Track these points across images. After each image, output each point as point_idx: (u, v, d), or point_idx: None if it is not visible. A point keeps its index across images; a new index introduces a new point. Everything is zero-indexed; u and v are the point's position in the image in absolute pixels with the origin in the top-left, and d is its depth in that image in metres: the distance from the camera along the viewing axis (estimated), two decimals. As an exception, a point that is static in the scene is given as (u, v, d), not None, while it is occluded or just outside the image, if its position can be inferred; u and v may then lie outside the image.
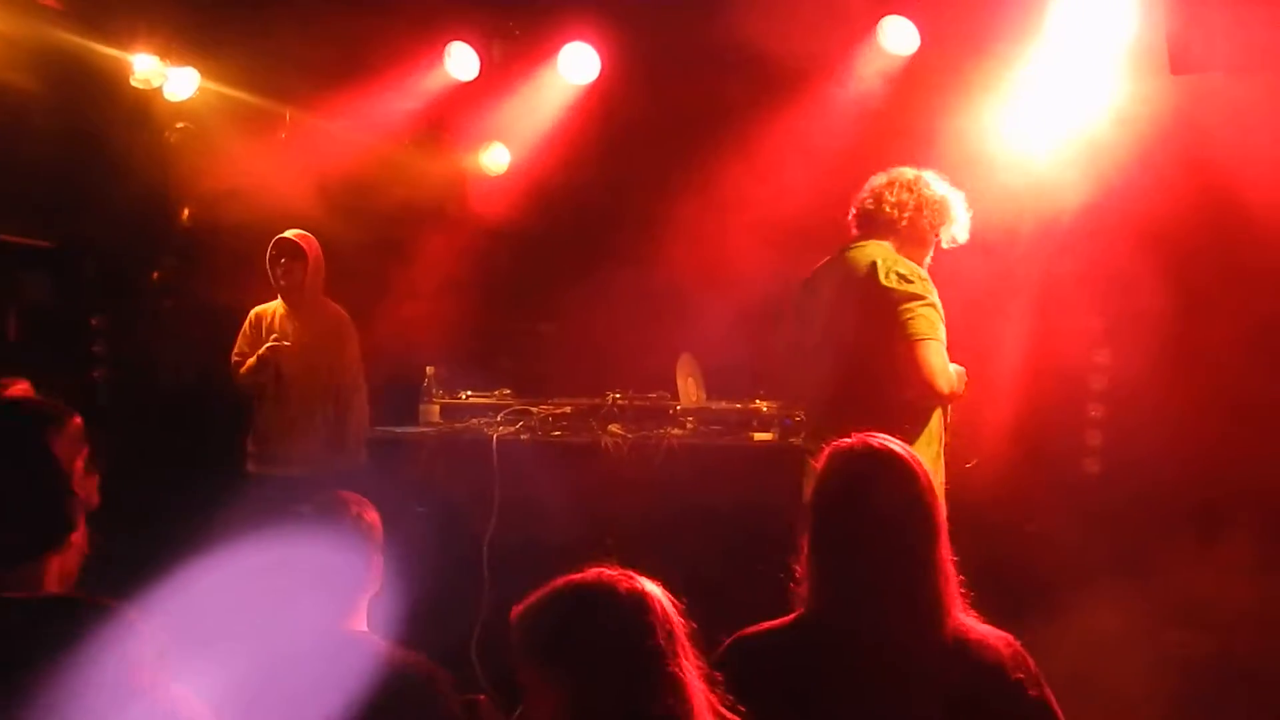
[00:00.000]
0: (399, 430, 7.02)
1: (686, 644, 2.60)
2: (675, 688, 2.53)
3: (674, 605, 2.62)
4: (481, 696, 4.47)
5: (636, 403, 6.79)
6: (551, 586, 2.62)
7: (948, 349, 4.86)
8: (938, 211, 5.18)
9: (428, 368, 7.29)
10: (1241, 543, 5.62)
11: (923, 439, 4.87)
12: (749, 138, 7.08)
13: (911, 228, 5.17)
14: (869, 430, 3.17)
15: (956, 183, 5.34)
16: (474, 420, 7.00)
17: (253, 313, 7.10)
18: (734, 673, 2.78)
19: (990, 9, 6.44)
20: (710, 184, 7.10)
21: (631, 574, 2.62)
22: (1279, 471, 5.83)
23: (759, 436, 6.39)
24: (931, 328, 4.84)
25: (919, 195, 5.17)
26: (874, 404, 4.71)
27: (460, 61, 7.75)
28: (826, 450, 3.15)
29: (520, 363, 8.21)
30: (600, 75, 7.60)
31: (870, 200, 5.24)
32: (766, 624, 3.12)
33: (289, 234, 7.02)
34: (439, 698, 3.59)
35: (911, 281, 4.92)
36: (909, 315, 4.85)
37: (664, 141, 7.73)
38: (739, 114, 7.24)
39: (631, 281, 7.39)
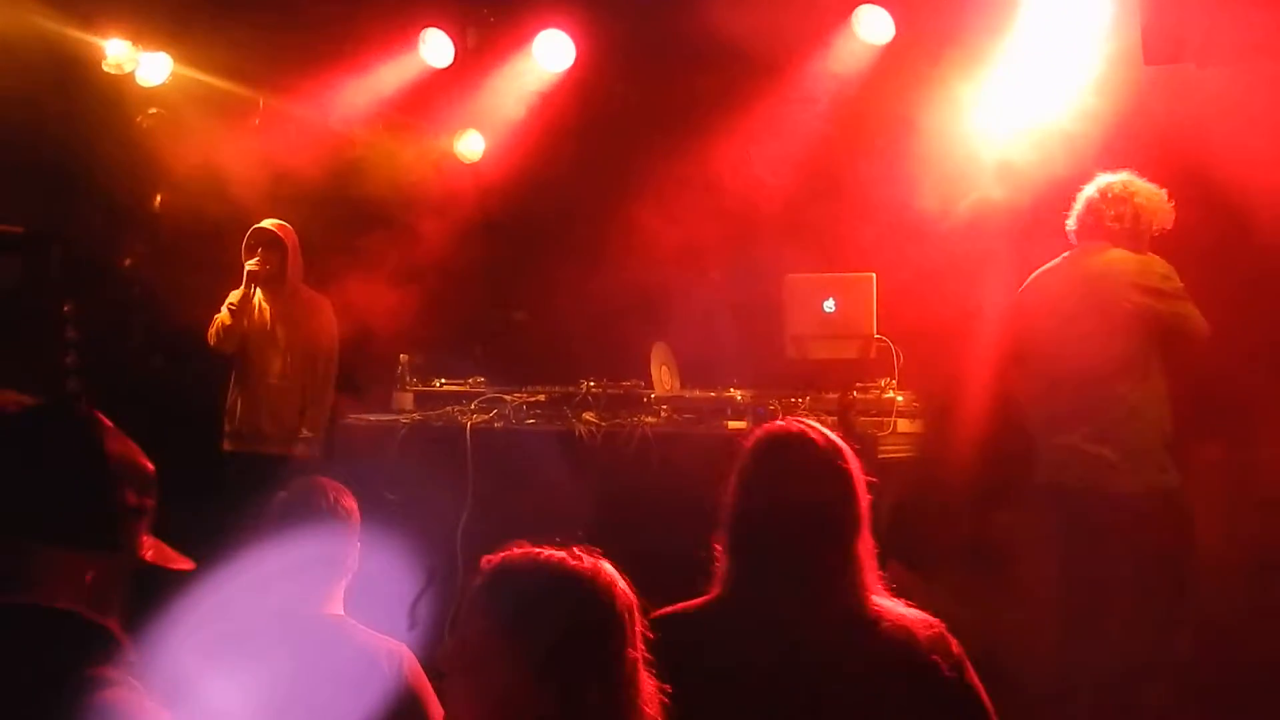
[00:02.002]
0: (372, 418, 7.01)
1: (646, 668, 2.59)
2: (630, 688, 2.52)
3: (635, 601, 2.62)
4: None
5: (610, 391, 6.78)
6: (542, 560, 2.59)
7: None
8: (1153, 212, 5.60)
9: (401, 355, 7.28)
10: (1232, 542, 5.64)
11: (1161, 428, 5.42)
12: (724, 125, 7.08)
13: (1134, 231, 5.58)
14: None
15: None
16: (448, 408, 6.99)
17: (232, 295, 7.13)
18: (653, 651, 2.79)
19: (966, -2, 6.47)
20: (685, 172, 7.09)
21: (619, 580, 2.60)
22: (1266, 467, 5.85)
23: (733, 425, 6.39)
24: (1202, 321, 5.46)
25: (1134, 204, 5.58)
26: (1144, 397, 5.39)
27: (435, 48, 7.73)
28: (755, 432, 3.18)
29: (494, 350, 8.20)
30: (575, 63, 7.59)
31: (1088, 214, 5.65)
32: (683, 604, 3.12)
33: (266, 223, 7.09)
34: (415, 683, 3.60)
35: (1171, 279, 5.46)
36: (1186, 311, 5.45)
37: (639, 129, 7.72)
38: (714, 102, 7.23)
39: (606, 269, 7.38)
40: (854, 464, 3.08)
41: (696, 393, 6.82)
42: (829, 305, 6.35)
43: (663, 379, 6.84)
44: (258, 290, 7.15)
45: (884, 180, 6.44)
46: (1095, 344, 5.39)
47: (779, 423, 3.17)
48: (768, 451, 3.13)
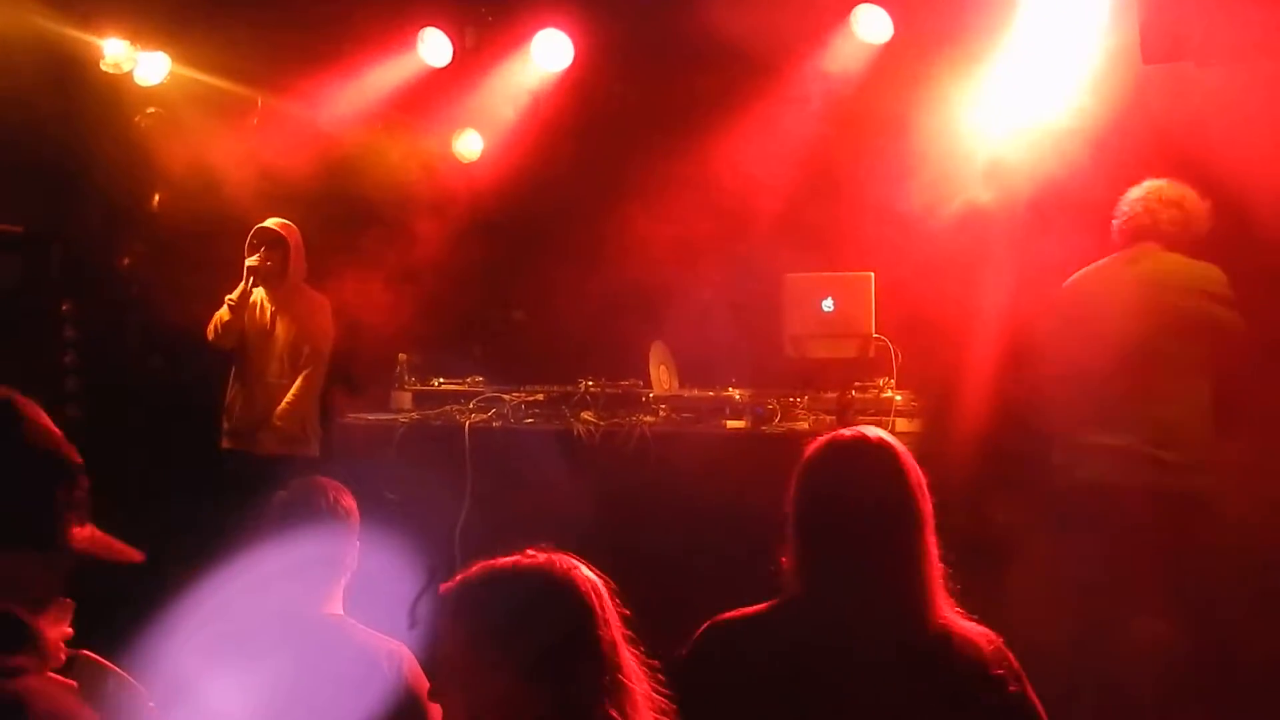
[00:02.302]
0: (371, 417, 7.01)
1: (626, 643, 2.59)
2: (614, 669, 2.52)
3: (615, 604, 2.61)
4: None
5: (609, 390, 6.79)
6: (505, 567, 2.59)
7: None
8: (1201, 217, 5.60)
9: (400, 355, 7.28)
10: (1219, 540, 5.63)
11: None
12: (723, 125, 7.08)
13: (1188, 235, 5.58)
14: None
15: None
16: (446, 407, 6.99)
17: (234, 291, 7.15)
18: (711, 657, 2.76)
19: (964, -3, 6.47)
20: (684, 171, 7.09)
21: (578, 565, 2.60)
22: (1267, 467, 5.85)
23: (731, 424, 6.39)
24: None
25: (1185, 208, 5.58)
26: (1199, 401, 5.41)
27: (433, 48, 7.74)
28: (818, 439, 3.15)
29: (493, 350, 8.20)
30: (573, 62, 7.59)
31: (1145, 215, 5.61)
32: (746, 609, 3.10)
33: (269, 222, 7.13)
34: (415, 683, 3.59)
35: (1227, 285, 5.47)
36: (1238, 319, 5.45)
37: (637, 128, 7.72)
38: (713, 101, 7.23)
39: (604, 269, 7.37)
40: (915, 466, 3.07)
41: (695, 392, 6.83)
42: (827, 305, 6.36)
43: (661, 378, 6.84)
44: (259, 288, 7.17)
45: (882, 179, 6.42)
46: (1155, 345, 5.37)
47: (842, 430, 3.15)
48: (828, 456, 3.11)
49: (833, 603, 2.94)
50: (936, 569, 3.01)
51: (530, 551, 2.59)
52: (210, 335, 7.16)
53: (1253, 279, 5.81)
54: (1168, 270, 5.50)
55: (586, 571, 2.58)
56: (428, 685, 3.58)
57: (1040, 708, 3.02)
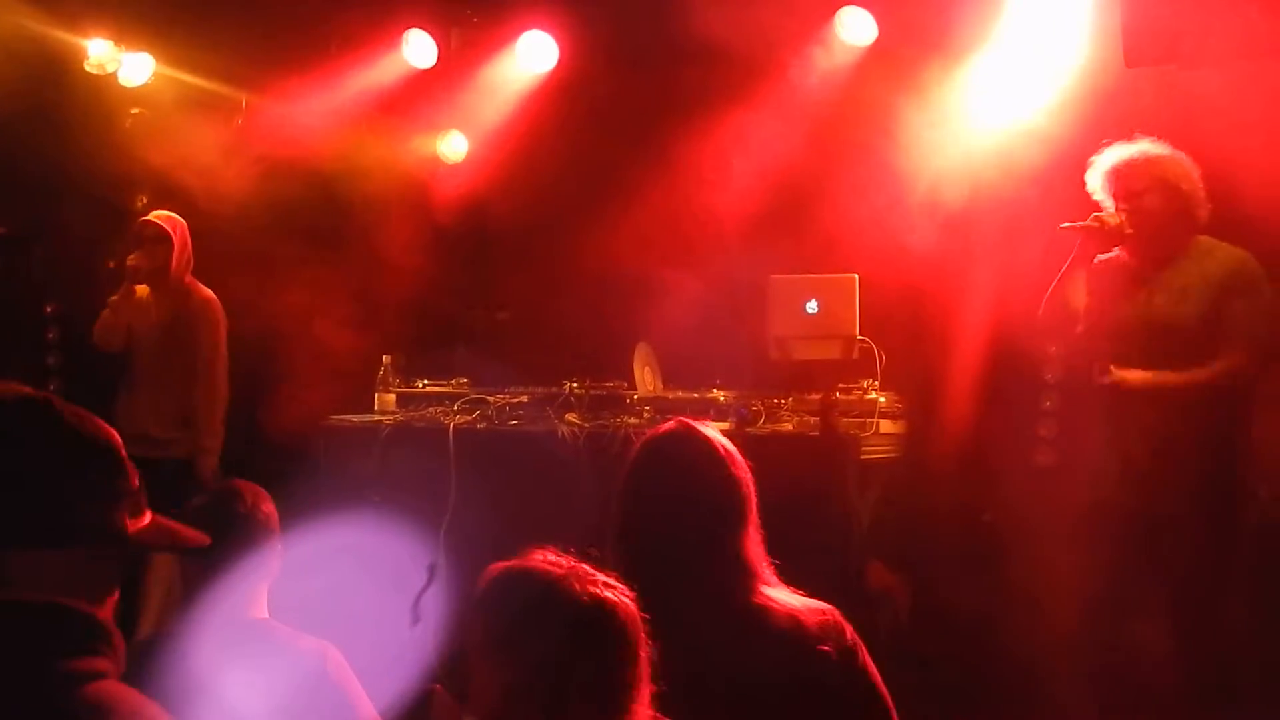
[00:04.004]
0: (355, 419, 7.00)
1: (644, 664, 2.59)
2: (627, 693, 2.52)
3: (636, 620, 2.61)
4: (437, 686, 4.46)
5: (593, 391, 6.78)
6: (521, 569, 2.59)
7: None
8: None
9: (384, 356, 7.26)
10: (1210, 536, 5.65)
11: None
12: (707, 126, 7.08)
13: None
14: None
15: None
16: (431, 409, 6.99)
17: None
18: None
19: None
20: (668, 172, 7.09)
21: (601, 581, 2.59)
22: (1265, 467, 5.87)
23: (715, 425, 6.39)
24: None
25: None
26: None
27: (418, 49, 7.74)
28: (644, 435, 3.24)
29: (477, 351, 8.19)
30: (559, 64, 7.61)
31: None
32: None
33: (153, 215, 7.04)
34: (341, 680, 3.63)
35: None
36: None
37: (622, 130, 7.72)
38: (698, 102, 7.23)
39: (589, 270, 7.39)
40: (733, 454, 3.13)
41: (679, 393, 6.82)
42: (811, 306, 6.35)
43: (645, 380, 6.84)
44: (144, 286, 7.08)
45: (867, 181, 6.44)
46: None
47: (665, 424, 3.23)
48: (647, 452, 3.18)
49: (656, 596, 2.95)
50: (753, 551, 3.08)
51: (556, 558, 2.59)
52: (95, 338, 7.07)
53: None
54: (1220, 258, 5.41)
55: (616, 595, 2.58)
56: (355, 682, 3.63)
57: (877, 679, 3.04)
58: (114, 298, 7.02)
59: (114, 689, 2.22)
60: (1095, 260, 5.37)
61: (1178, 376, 5.12)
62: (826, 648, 2.99)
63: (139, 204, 7.91)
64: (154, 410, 7.02)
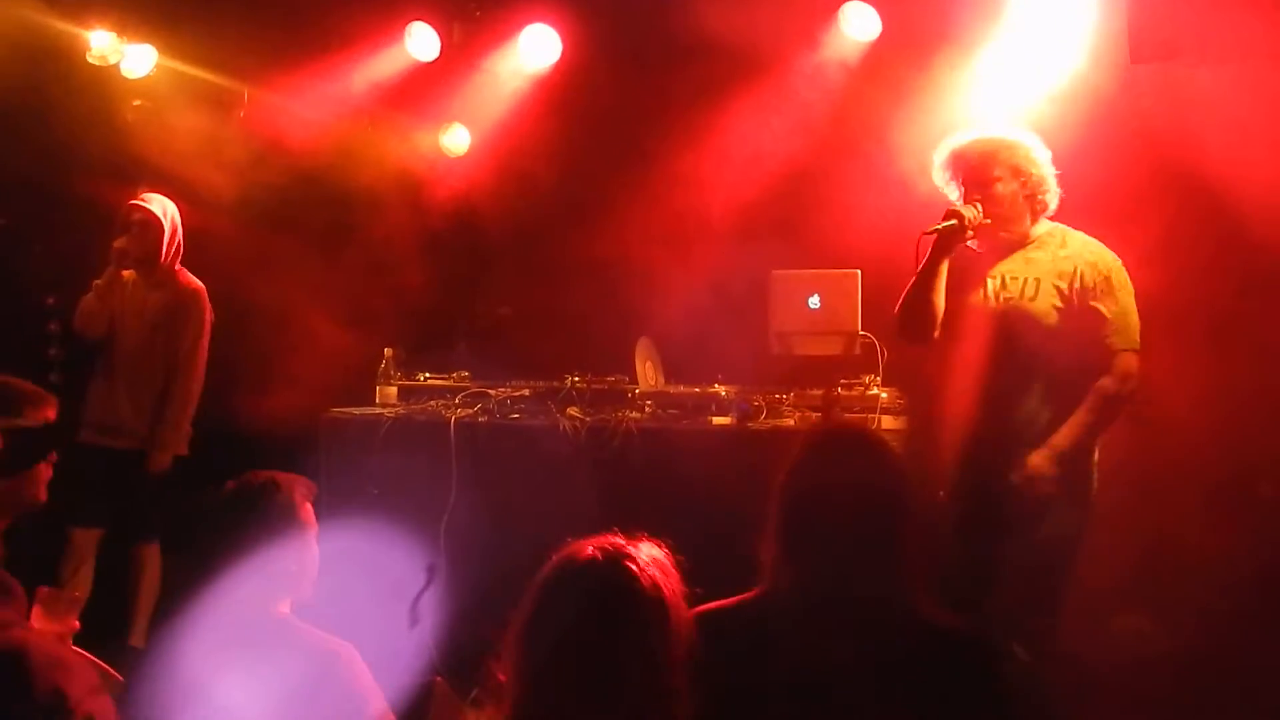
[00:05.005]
0: (356, 412, 6.99)
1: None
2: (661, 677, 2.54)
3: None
4: (438, 678, 4.46)
5: (595, 386, 6.77)
6: (577, 558, 2.61)
7: None
8: None
9: (386, 349, 7.25)
10: (1198, 533, 5.65)
11: None
12: (711, 120, 7.08)
13: None
14: None
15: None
16: (432, 402, 6.98)
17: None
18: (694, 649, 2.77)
19: (952, -5, 6.47)
20: (671, 167, 7.09)
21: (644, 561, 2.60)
22: (1267, 465, 5.88)
23: (717, 420, 6.39)
24: None
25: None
26: None
27: (421, 42, 7.73)
28: (809, 430, 3.20)
29: (479, 345, 8.19)
30: (562, 57, 7.60)
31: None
32: (725, 600, 3.11)
33: (142, 199, 6.91)
34: (357, 682, 3.58)
35: None
36: None
37: (625, 124, 7.71)
38: (701, 97, 7.22)
39: (590, 264, 7.38)
40: (896, 458, 3.10)
41: (681, 388, 6.81)
42: (814, 301, 6.36)
43: (647, 374, 6.84)
44: (130, 272, 6.95)
45: (869, 177, 6.44)
46: None
47: (830, 423, 3.20)
48: (817, 443, 3.15)
49: (814, 591, 2.95)
50: (919, 562, 3.02)
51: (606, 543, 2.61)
52: (76, 324, 6.92)
53: (1244, 280, 5.84)
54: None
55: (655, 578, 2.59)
56: (372, 683, 3.57)
57: (1016, 704, 3.03)
58: (98, 282, 6.89)
59: (23, 636, 2.25)
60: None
61: (1089, 415, 4.93)
62: (978, 668, 2.97)
63: (141, 196, 7.91)
64: (132, 401, 6.89)
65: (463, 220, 8.16)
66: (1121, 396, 4.97)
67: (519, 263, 8.30)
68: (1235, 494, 5.82)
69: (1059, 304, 4.99)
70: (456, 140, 8.26)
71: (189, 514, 3.94)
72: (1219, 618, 5.59)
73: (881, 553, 2.97)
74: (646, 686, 2.53)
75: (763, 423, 6.23)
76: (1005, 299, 5.09)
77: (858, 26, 6.88)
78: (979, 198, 5.11)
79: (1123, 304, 4.98)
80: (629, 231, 7.07)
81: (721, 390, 6.64)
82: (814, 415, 6.17)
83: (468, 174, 8.13)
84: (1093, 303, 4.97)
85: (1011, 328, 5.02)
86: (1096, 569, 5.42)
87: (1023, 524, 4.88)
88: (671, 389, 6.81)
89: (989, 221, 5.08)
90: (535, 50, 7.60)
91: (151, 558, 6.84)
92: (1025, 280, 5.06)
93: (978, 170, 5.14)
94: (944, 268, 5.13)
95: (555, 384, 6.81)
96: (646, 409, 6.58)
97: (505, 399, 6.80)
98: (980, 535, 5.00)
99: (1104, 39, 6.06)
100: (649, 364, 6.88)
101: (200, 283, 7.08)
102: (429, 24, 7.69)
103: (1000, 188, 5.10)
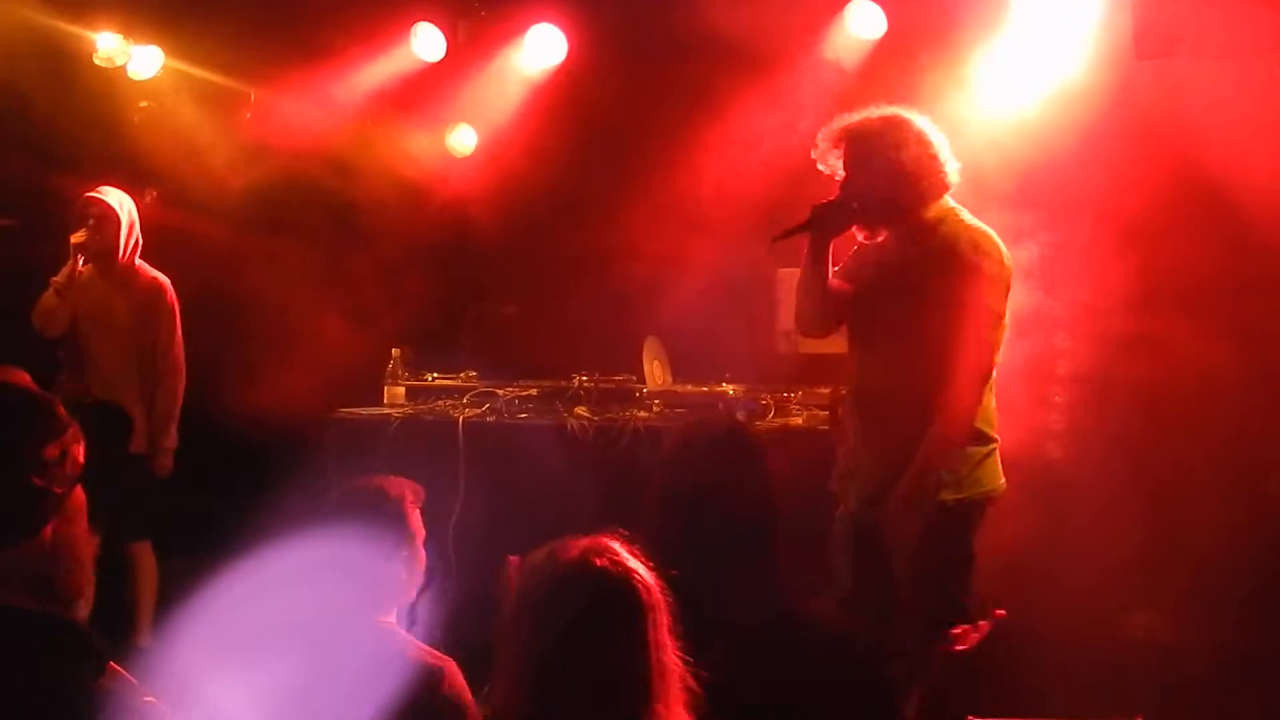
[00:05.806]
0: (363, 412, 7.00)
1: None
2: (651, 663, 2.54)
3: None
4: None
5: (603, 385, 6.79)
6: (566, 553, 2.60)
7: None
8: None
9: (394, 349, 7.26)
10: (1197, 530, 5.66)
11: None
12: (717, 119, 7.08)
13: None
14: None
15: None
16: (439, 402, 6.99)
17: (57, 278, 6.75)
18: None
19: (958, -8, 6.47)
20: (678, 165, 7.09)
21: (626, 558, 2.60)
22: (1239, 456, 5.87)
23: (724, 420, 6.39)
24: None
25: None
26: None
27: (426, 42, 7.74)
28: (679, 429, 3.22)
29: (486, 344, 8.20)
30: (567, 57, 7.60)
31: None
32: None
33: (100, 191, 6.71)
34: (455, 699, 3.50)
35: None
36: None
37: (631, 123, 7.72)
38: (707, 95, 7.22)
39: (598, 264, 7.39)
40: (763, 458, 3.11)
41: (689, 387, 6.83)
42: (821, 300, 6.36)
43: (655, 373, 6.85)
44: (87, 267, 6.71)
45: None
46: None
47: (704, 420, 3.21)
48: (686, 442, 3.16)
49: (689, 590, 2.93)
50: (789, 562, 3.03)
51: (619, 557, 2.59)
52: (36, 322, 6.70)
53: (1247, 275, 5.84)
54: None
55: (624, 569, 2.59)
56: (471, 702, 3.48)
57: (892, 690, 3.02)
58: (56, 279, 6.65)
59: (117, 687, 2.25)
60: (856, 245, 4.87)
61: (921, 464, 4.51)
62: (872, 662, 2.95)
63: (148, 197, 7.91)
64: (97, 396, 6.66)
65: (470, 220, 8.17)
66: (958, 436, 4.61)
67: (526, 262, 8.30)
68: (1243, 491, 5.81)
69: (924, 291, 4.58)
70: (463, 140, 8.27)
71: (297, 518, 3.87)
72: (1224, 616, 5.59)
73: (751, 552, 2.98)
74: (641, 685, 2.54)
75: (770, 421, 6.24)
76: (879, 294, 4.74)
77: (863, 24, 6.89)
78: (852, 180, 4.75)
79: (970, 296, 4.54)
80: (636, 230, 7.07)
81: (729, 389, 6.65)
82: (822, 414, 6.18)
83: (474, 174, 8.13)
84: (936, 292, 4.55)
85: (881, 328, 4.73)
86: (1098, 564, 5.45)
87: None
88: (679, 388, 6.82)
89: (856, 206, 4.71)
90: (541, 50, 7.60)
91: (145, 556, 6.79)
92: (897, 268, 4.69)
93: (846, 153, 4.79)
94: (825, 257, 4.76)
95: (563, 383, 6.83)
96: (654, 408, 6.60)
97: (513, 399, 6.81)
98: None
99: (1109, 36, 6.05)
100: (657, 363, 6.89)
101: (161, 274, 6.87)
102: (435, 24, 7.70)
103: (863, 173, 4.71)
